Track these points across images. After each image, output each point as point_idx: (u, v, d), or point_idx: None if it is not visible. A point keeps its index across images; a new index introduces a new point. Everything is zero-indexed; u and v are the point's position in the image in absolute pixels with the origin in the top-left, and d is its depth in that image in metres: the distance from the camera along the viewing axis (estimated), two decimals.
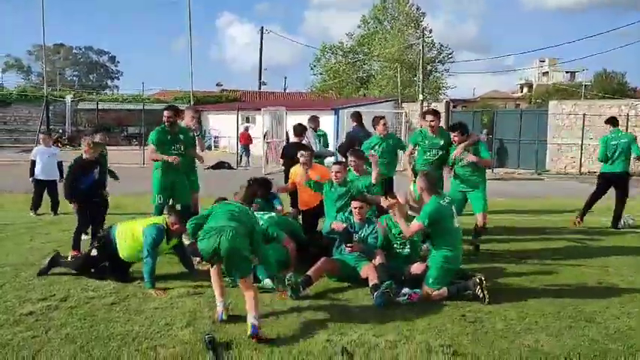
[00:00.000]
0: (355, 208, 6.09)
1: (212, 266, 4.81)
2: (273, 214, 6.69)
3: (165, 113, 7.09)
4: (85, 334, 4.29)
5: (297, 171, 7.29)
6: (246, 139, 22.63)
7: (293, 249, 6.33)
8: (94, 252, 5.78)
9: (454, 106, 45.43)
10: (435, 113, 7.46)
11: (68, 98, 31.62)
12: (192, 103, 22.64)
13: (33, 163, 8.73)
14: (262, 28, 37.87)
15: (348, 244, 5.82)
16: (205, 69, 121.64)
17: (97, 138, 7.29)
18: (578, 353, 4.17)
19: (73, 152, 26.41)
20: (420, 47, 31.02)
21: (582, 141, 20.08)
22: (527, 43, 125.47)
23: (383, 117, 8.18)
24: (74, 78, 77.35)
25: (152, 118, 32.05)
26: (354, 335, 4.40)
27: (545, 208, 11.61)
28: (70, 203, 6.74)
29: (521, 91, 75.36)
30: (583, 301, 5.37)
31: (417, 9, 46.00)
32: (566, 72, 74.74)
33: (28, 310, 4.78)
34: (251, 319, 4.31)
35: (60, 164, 8.84)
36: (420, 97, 25.76)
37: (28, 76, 73.92)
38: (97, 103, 26.68)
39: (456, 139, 7.10)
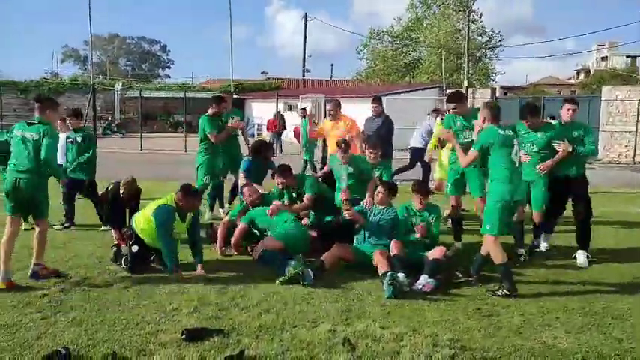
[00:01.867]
0: (379, 193, 6.13)
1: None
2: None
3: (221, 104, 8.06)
4: (92, 317, 4.33)
5: (325, 123, 8.14)
6: (275, 127, 22.44)
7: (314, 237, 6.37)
8: (135, 248, 5.68)
9: (505, 93, 44.21)
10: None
11: (117, 87, 32.51)
12: (232, 91, 22.73)
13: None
14: (306, 14, 37.66)
15: (346, 207, 6.01)
16: (253, 57, 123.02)
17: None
18: (598, 352, 3.90)
19: (122, 139, 27.36)
20: (465, 33, 30.13)
21: (637, 128, 19.04)
22: (585, 26, 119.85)
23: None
24: (127, 67, 79.53)
25: (196, 105, 32.71)
26: (360, 326, 4.27)
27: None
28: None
29: (578, 77, 72.37)
30: (613, 297, 5.06)
31: None
32: (627, 57, 71.22)
33: (43, 292, 4.88)
34: None
35: None
36: (465, 83, 25.04)
37: (84, 66, 76.58)
38: (140, 92, 27.15)
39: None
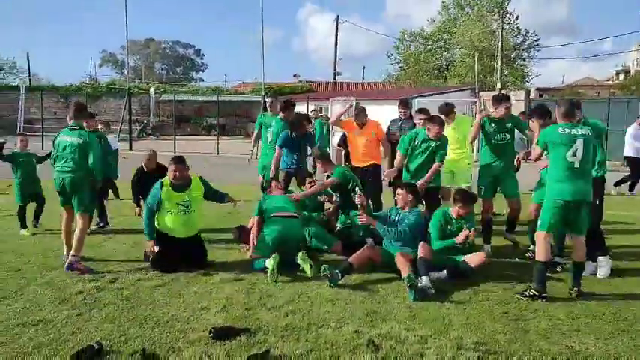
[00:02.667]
0: (398, 194, 6.13)
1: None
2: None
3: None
4: (125, 315, 4.48)
5: (349, 124, 7.88)
6: None
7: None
8: (156, 247, 5.81)
9: (540, 95, 43.37)
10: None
11: (152, 90, 33.17)
12: (263, 94, 22.96)
13: None
14: (338, 17, 37.70)
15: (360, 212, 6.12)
16: (286, 60, 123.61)
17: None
18: (626, 359, 3.84)
19: (156, 141, 27.90)
20: (501, 34, 29.71)
21: None
22: (625, 26, 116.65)
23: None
24: (162, 71, 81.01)
25: (228, 108, 33.18)
26: (385, 328, 4.30)
27: (629, 203, 10.81)
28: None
29: (617, 78, 70.44)
30: None
31: None
32: None
33: (79, 289, 5.07)
34: None
35: (116, 152, 9.19)
36: (498, 85, 24.71)
37: (121, 70, 78.36)
38: (174, 95, 27.71)
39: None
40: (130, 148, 21.88)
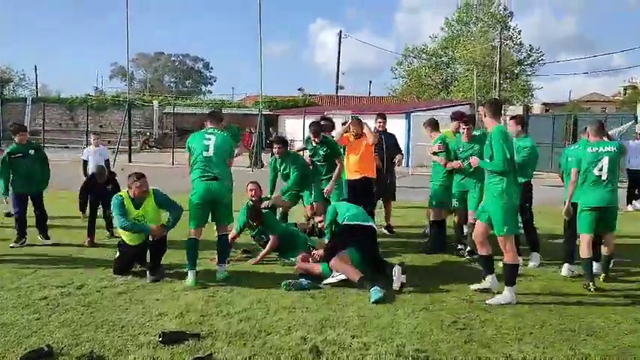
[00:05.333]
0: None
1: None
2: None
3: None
4: (82, 320, 4.63)
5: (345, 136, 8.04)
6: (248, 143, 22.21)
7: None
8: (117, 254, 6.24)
9: (546, 110, 43.40)
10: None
11: (155, 103, 33.61)
12: (261, 107, 23.23)
13: (85, 162, 9.43)
14: (340, 32, 38.20)
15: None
16: (295, 73, 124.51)
17: (17, 138, 7.56)
18: None
19: (158, 154, 28.25)
20: (502, 49, 29.91)
21: None
22: (632, 42, 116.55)
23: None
24: (171, 84, 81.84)
25: (231, 121, 33.34)
26: (333, 334, 4.42)
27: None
28: None
29: (625, 94, 70.21)
30: (596, 313, 5.04)
31: (504, 9, 44.59)
32: None
33: (44, 295, 5.24)
34: None
35: (107, 162, 9.44)
36: None
37: (131, 83, 79.24)
38: (174, 108, 28.09)
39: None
40: (130, 160, 22.18)
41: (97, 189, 7.64)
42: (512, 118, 7.15)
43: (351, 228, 6.21)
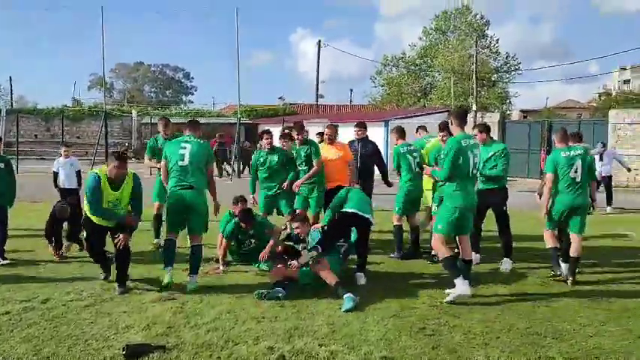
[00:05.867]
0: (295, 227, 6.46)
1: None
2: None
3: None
4: (44, 335, 4.52)
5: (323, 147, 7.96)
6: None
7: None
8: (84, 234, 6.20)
9: (525, 116, 43.98)
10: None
11: (134, 113, 33.37)
12: (239, 115, 23.22)
13: (55, 174, 9.27)
14: (319, 41, 38.24)
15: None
16: (276, 82, 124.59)
17: None
18: None
19: (136, 164, 27.89)
20: (479, 57, 30.30)
21: None
22: (606, 50, 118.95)
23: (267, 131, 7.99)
24: (151, 94, 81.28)
25: (209, 131, 33.25)
26: (300, 344, 4.38)
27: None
28: None
29: (600, 100, 71.52)
30: (563, 316, 5.09)
31: (481, 18, 45.26)
32: None
33: (6, 310, 5.11)
34: None
35: (78, 173, 9.30)
36: (474, 107, 25.12)
37: (109, 93, 78.49)
38: (151, 118, 27.92)
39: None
40: None
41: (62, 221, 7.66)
42: (475, 127, 7.30)
43: (350, 216, 6.30)
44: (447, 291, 5.70)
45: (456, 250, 6.05)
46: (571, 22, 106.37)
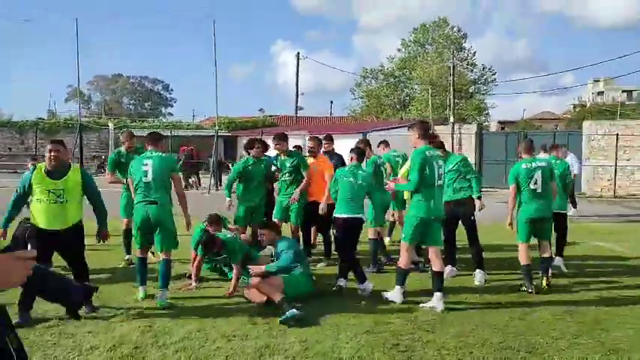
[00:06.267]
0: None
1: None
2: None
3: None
4: None
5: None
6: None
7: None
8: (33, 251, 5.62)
9: (502, 128, 44.54)
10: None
11: (111, 126, 32.99)
12: (217, 127, 23.09)
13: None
14: (298, 53, 38.28)
15: None
16: (257, 94, 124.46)
17: None
18: None
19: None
20: (456, 69, 30.63)
21: (616, 162, 19.16)
22: (580, 63, 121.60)
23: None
24: (130, 106, 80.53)
25: (188, 143, 33.10)
26: None
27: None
28: None
29: (575, 112, 72.87)
30: (537, 329, 5.07)
31: (458, 31, 45.84)
32: (623, 91, 71.74)
33: None
34: None
35: None
36: (452, 119, 25.33)
37: (87, 105, 77.50)
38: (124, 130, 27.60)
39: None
40: None
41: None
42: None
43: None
44: (422, 305, 5.68)
45: (427, 266, 6.08)
46: (547, 36, 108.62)
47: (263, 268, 6.00)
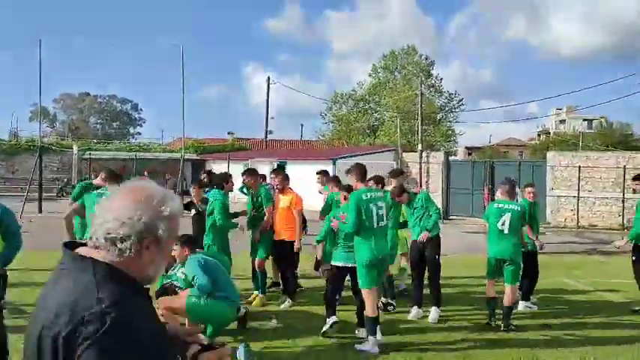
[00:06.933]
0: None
1: None
2: None
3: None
4: None
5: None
6: None
7: None
8: None
9: (469, 153, 45.15)
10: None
11: (75, 148, 32.26)
12: (183, 151, 22.83)
13: None
14: (269, 78, 38.35)
15: None
16: (226, 117, 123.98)
17: None
18: None
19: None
20: (425, 97, 31.08)
21: (579, 194, 19.58)
22: (544, 91, 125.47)
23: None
24: (97, 126, 79.11)
25: (155, 166, 32.70)
26: None
27: None
28: None
29: (539, 139, 74.83)
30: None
31: (426, 59, 46.74)
32: (584, 120, 74.00)
33: None
34: None
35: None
36: (420, 146, 25.57)
37: (52, 125, 75.86)
38: (90, 154, 27.11)
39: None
40: (40, 210, 20.77)
41: None
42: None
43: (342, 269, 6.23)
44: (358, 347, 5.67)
45: (389, 308, 6.01)
46: (511, 65, 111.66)
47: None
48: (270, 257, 7.88)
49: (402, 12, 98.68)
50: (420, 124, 26.84)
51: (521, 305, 7.40)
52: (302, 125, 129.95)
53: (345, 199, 6.51)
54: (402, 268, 8.17)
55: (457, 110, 44.89)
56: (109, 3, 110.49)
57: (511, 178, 7.77)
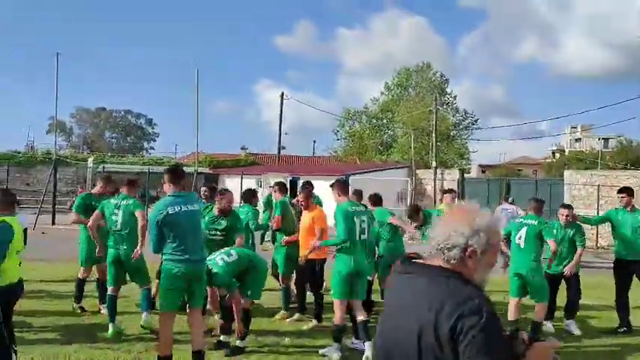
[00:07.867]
0: None
1: None
2: None
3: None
4: None
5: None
6: None
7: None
8: None
9: (483, 171, 44.76)
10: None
11: (90, 161, 32.46)
12: (196, 166, 22.86)
13: None
14: (282, 94, 38.32)
15: None
16: (240, 132, 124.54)
17: None
18: None
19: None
20: (439, 113, 30.92)
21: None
22: (558, 109, 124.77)
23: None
24: (112, 140, 79.85)
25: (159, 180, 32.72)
26: None
27: None
28: None
29: (554, 158, 74.09)
30: None
31: (441, 76, 46.61)
32: (600, 138, 73.19)
33: None
34: None
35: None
36: (434, 164, 25.36)
37: (69, 138, 76.67)
38: (103, 168, 27.22)
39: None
40: (53, 223, 20.80)
41: None
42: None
43: None
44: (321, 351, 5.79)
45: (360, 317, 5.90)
46: (523, 82, 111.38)
47: None
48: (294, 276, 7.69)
49: (414, 32, 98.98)
50: (434, 140, 26.63)
51: (549, 324, 7.23)
52: (314, 142, 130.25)
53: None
54: None
55: (472, 128, 44.68)
56: (123, 16, 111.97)
57: (538, 198, 7.65)
